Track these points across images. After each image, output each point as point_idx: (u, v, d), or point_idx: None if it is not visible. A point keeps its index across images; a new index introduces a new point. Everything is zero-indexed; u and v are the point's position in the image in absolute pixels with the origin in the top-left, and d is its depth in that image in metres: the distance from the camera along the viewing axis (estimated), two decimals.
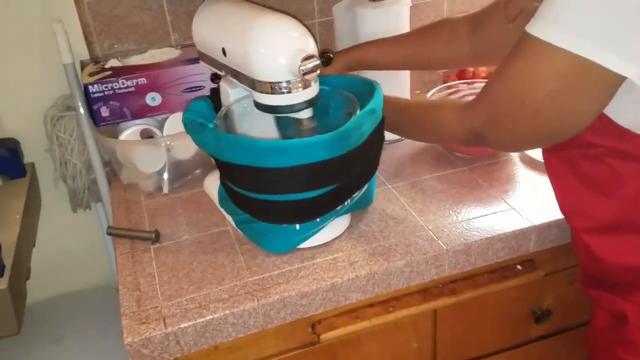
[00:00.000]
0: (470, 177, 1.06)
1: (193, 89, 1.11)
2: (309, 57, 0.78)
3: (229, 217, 1.00)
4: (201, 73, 1.10)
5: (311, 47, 0.81)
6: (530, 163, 1.08)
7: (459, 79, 1.40)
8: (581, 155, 0.74)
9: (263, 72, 0.81)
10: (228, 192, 0.94)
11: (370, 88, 0.91)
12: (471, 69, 1.41)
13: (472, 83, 1.24)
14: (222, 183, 0.96)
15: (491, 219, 0.95)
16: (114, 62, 1.10)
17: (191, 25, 1.18)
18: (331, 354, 0.93)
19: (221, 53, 0.89)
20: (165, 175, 1.11)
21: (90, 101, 1.05)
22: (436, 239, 0.91)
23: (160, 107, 1.10)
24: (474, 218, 0.95)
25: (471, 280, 0.95)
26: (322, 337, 0.88)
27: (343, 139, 0.82)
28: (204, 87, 1.11)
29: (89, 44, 1.16)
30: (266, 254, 0.91)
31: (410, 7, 1.14)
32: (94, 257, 1.36)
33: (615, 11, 0.59)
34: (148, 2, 1.15)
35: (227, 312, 0.81)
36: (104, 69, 1.08)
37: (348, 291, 0.87)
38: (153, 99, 1.09)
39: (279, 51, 0.79)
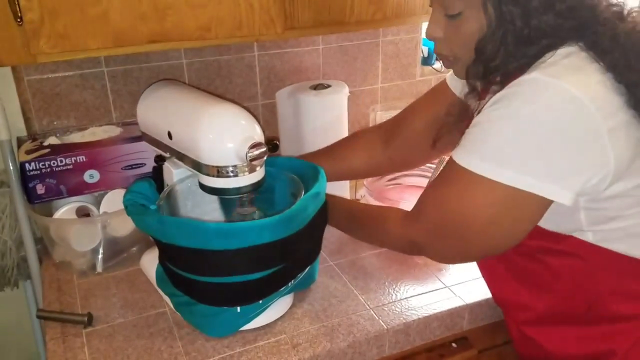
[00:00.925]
0: (407, 254, 1.10)
1: (133, 167, 1.11)
2: (256, 145, 0.81)
3: (166, 299, 0.98)
4: (142, 151, 1.10)
5: (258, 134, 0.85)
6: None
7: None
8: (514, 252, 0.80)
9: (210, 156, 0.83)
10: (167, 273, 0.93)
11: (314, 172, 0.94)
12: None
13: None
14: (162, 264, 0.95)
15: (427, 297, 0.98)
16: (52, 140, 1.09)
17: (133, 104, 1.20)
18: None
19: (167, 136, 0.90)
20: (100, 254, 1.08)
21: (26, 179, 1.03)
22: (377, 318, 0.93)
23: (98, 184, 1.09)
24: (411, 296, 0.99)
25: (411, 359, 0.97)
26: None
27: (288, 222, 0.84)
28: (145, 164, 1.11)
29: (26, 120, 1.14)
30: (206, 338, 0.90)
31: (348, 96, 1.21)
32: (19, 338, 1.28)
33: (543, 144, 0.67)
34: (90, 81, 1.16)
35: None
36: (42, 147, 1.07)
37: None
38: (91, 176, 1.08)
39: (227, 137, 0.82)
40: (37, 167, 1.03)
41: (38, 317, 0.95)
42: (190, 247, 0.83)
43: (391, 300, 0.97)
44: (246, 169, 0.84)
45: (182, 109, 0.88)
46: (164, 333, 0.91)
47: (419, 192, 1.20)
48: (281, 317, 0.94)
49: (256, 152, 0.81)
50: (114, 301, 0.99)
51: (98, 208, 1.09)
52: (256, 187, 0.88)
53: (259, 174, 0.87)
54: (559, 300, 0.79)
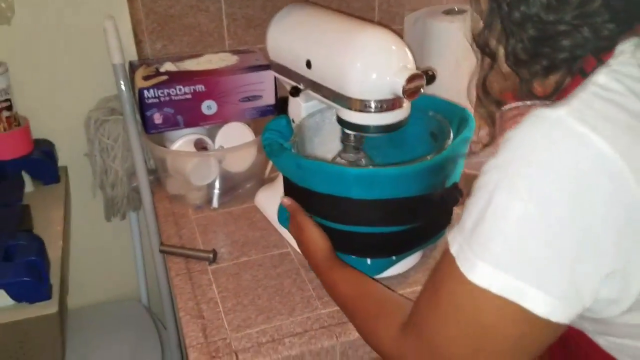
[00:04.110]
0: None
1: (250, 99, 1.04)
2: (415, 77, 0.72)
3: (289, 238, 0.93)
4: (260, 82, 1.03)
5: (412, 63, 0.75)
6: None
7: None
8: None
9: (360, 89, 0.74)
10: None
11: (460, 113, 0.84)
12: None
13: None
14: None
15: None
16: (169, 66, 1.02)
17: (247, 30, 1.13)
18: None
19: (304, 65, 0.82)
20: (216, 189, 1.03)
21: (143, 107, 0.98)
22: None
23: (215, 116, 1.03)
24: None
25: None
26: None
27: (439, 170, 0.76)
28: (262, 97, 1.04)
29: (138, 43, 1.08)
30: None
31: None
32: (120, 268, 1.27)
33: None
34: (206, 2, 1.08)
35: (304, 349, 0.74)
36: (159, 73, 1.01)
37: None
38: (209, 107, 1.02)
39: (382, 69, 0.73)
40: (156, 95, 0.97)
41: (161, 251, 0.92)
42: (326, 193, 0.76)
43: None
44: (392, 104, 0.75)
45: (326, 35, 0.79)
46: (292, 274, 0.86)
47: None
48: (413, 267, 0.87)
49: (414, 84, 0.72)
50: (235, 238, 0.95)
51: (212, 142, 1.04)
52: (401, 125, 0.79)
53: (405, 111, 0.79)
54: None
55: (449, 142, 0.79)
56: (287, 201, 0.82)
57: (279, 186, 0.99)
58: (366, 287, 0.72)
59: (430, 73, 0.75)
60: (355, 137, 0.83)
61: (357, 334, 0.75)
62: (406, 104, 0.78)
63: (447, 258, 0.52)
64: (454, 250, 0.50)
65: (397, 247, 0.82)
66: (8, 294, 0.74)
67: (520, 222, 0.45)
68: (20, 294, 0.74)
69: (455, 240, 0.51)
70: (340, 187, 0.75)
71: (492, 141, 0.63)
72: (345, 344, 0.76)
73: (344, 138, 0.83)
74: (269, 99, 1.05)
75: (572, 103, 0.45)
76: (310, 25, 0.83)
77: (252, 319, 0.78)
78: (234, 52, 1.11)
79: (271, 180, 1.06)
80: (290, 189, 0.84)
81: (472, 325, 0.49)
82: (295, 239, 0.83)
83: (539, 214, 0.44)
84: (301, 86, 0.84)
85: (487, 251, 0.47)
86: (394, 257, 0.83)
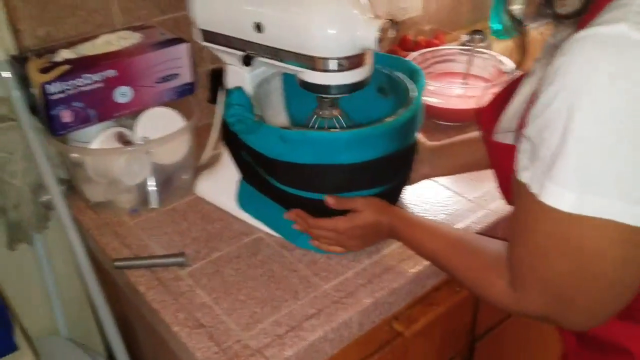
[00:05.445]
0: None
1: (167, 78, 0.93)
2: (387, 26, 0.69)
3: (254, 222, 0.86)
4: (176, 58, 0.92)
5: (372, 11, 0.72)
6: None
7: (403, 49, 1.39)
8: None
9: (327, 46, 0.69)
10: (271, 193, 0.80)
11: (407, 65, 0.84)
12: (411, 37, 1.40)
13: (425, 54, 1.23)
14: (256, 184, 0.82)
15: None
16: (66, 54, 0.86)
17: (139, 2, 1.00)
18: (404, 348, 0.87)
19: (251, 29, 0.74)
20: (152, 186, 0.91)
21: (48, 105, 0.81)
22: (481, 207, 0.90)
23: (131, 104, 0.90)
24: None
25: None
26: (406, 332, 0.81)
27: (416, 120, 0.76)
28: (178, 75, 0.94)
29: (16, 33, 0.89)
30: (327, 256, 0.81)
31: None
32: (30, 301, 1.08)
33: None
34: None
35: (326, 328, 0.70)
36: (56, 63, 0.84)
37: (426, 278, 0.81)
38: (123, 94, 0.88)
39: (351, 21, 0.69)
40: (62, 89, 0.82)
41: (117, 267, 0.79)
42: (314, 163, 0.72)
43: (488, 190, 0.94)
44: (360, 59, 0.72)
45: None
46: (276, 258, 0.81)
47: (451, 80, 1.17)
48: None
49: (386, 34, 0.69)
50: (194, 236, 0.85)
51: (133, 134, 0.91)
52: (367, 83, 0.77)
53: (371, 66, 0.76)
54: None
55: (415, 92, 0.79)
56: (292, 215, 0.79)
57: (221, 170, 0.91)
58: (453, 238, 0.70)
59: (393, 21, 0.73)
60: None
61: (369, 300, 0.74)
62: (371, 59, 0.75)
63: (527, 201, 0.51)
64: (535, 189, 0.50)
65: None
66: None
67: (602, 141, 0.45)
68: None
69: (535, 178, 0.50)
70: (331, 155, 0.71)
71: (519, 66, 0.63)
72: (361, 313, 0.73)
73: (320, 97, 0.78)
74: (186, 76, 0.95)
75: (628, 17, 0.45)
76: None
77: (258, 312, 0.72)
78: (132, 29, 0.97)
79: (207, 166, 0.96)
80: (264, 167, 0.77)
81: (577, 254, 0.50)
82: (346, 239, 0.77)
83: (621, 129, 0.45)
84: (252, 53, 0.77)
85: (572, 178, 0.47)
86: None
